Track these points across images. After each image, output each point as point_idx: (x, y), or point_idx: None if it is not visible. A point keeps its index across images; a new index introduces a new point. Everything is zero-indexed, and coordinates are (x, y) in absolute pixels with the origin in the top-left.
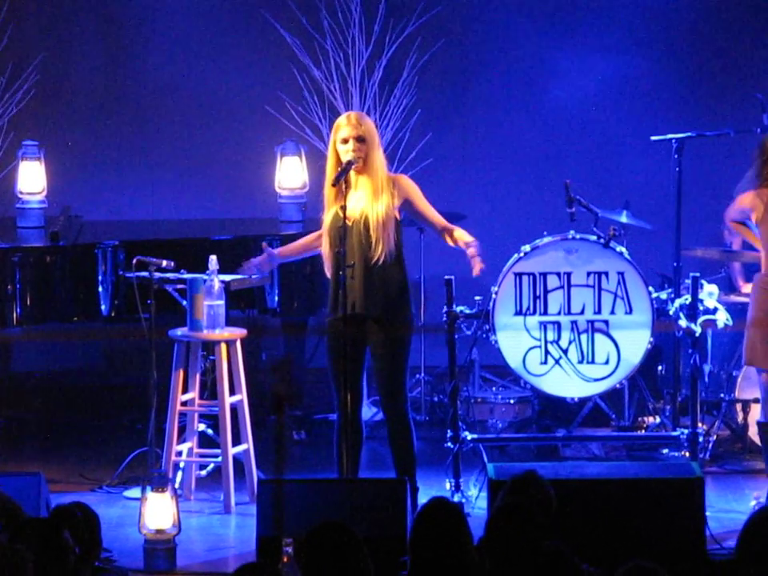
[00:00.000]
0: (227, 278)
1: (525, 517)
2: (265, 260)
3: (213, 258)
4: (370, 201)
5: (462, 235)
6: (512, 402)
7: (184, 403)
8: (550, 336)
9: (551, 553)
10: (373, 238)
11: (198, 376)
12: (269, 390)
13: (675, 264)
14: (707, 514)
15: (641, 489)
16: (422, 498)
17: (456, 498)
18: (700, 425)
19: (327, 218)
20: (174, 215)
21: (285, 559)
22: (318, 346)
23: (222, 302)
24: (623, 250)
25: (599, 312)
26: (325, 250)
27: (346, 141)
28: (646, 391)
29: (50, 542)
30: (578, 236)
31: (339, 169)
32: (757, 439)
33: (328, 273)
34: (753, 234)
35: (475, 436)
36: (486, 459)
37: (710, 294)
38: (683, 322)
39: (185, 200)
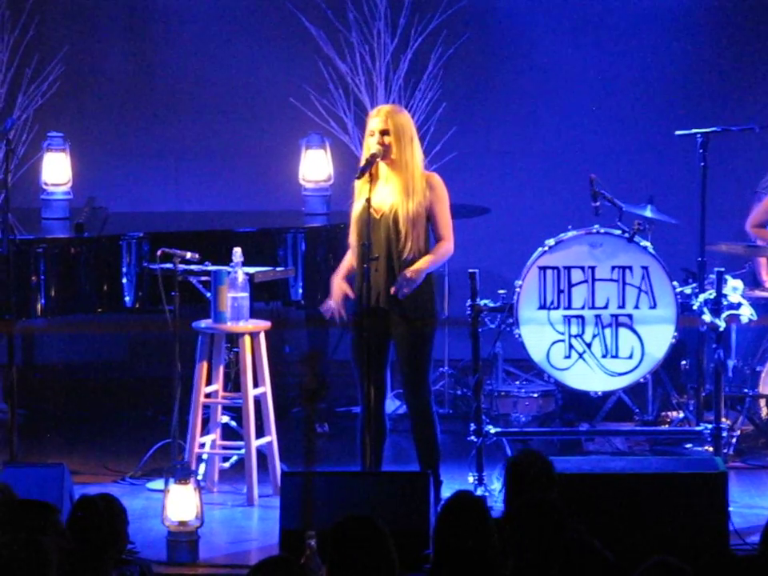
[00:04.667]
0: (251, 269)
1: (544, 511)
2: (344, 302)
3: (237, 250)
4: (400, 196)
5: (418, 263)
6: (535, 395)
7: (207, 395)
8: (574, 330)
9: (572, 541)
10: (402, 233)
11: (221, 368)
12: (298, 383)
13: (699, 259)
14: (730, 509)
15: (664, 484)
16: (446, 492)
17: (479, 492)
18: (724, 420)
19: (355, 208)
20: (199, 207)
21: (308, 552)
22: (342, 338)
23: (246, 294)
24: (647, 244)
25: (623, 306)
26: (352, 240)
27: (372, 133)
28: (669, 386)
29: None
30: (602, 230)
31: (364, 161)
32: None
33: (354, 263)
34: None
35: (498, 430)
36: (509, 453)
37: (734, 288)
38: (707, 317)
39: (209, 192)
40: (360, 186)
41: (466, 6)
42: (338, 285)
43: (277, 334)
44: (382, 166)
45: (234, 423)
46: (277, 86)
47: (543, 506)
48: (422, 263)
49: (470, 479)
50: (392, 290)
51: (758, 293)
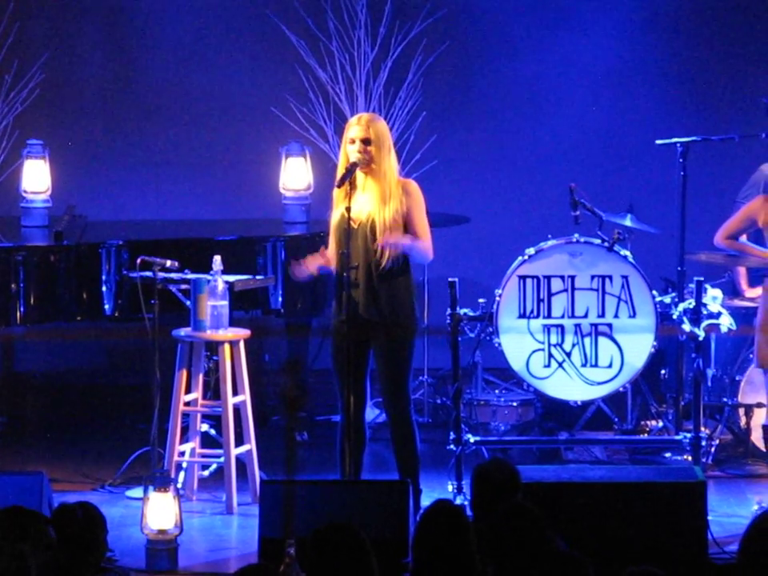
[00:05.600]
0: (231, 278)
1: (525, 518)
2: (309, 270)
3: (217, 259)
4: (377, 205)
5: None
6: (515, 404)
7: (187, 403)
8: (554, 339)
9: (552, 548)
10: (379, 242)
11: (201, 376)
12: (278, 392)
13: (679, 268)
14: (709, 518)
15: (643, 492)
16: (425, 501)
17: (458, 501)
18: (703, 429)
19: (334, 217)
20: (179, 215)
21: (287, 560)
22: (322, 347)
23: (225, 303)
24: (627, 253)
25: (603, 315)
26: (331, 249)
27: (353, 141)
28: (649, 395)
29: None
30: (582, 239)
31: (344, 170)
32: (760, 443)
33: (333, 271)
34: (749, 247)
35: (478, 438)
36: None
37: (713, 298)
38: (687, 326)
39: (189, 200)
40: (338, 195)
41: (445, 14)
42: (314, 257)
43: (256, 343)
44: (359, 175)
45: (213, 431)
46: (257, 94)
47: (525, 513)
48: (402, 238)
49: (450, 488)
50: (378, 243)
51: (738, 302)
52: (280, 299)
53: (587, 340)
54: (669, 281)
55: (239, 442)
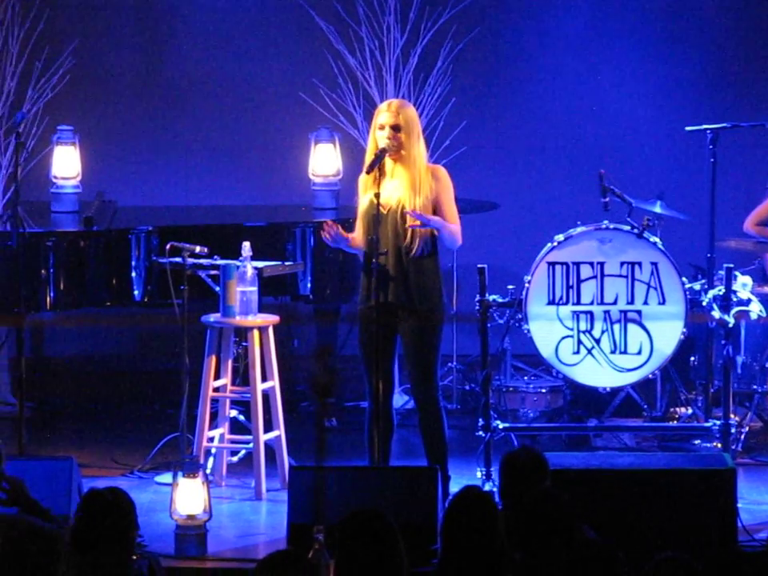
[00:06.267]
0: (260, 264)
1: (553, 505)
2: (343, 236)
3: (246, 245)
4: (407, 191)
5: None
6: (544, 391)
7: (216, 389)
8: (583, 326)
9: (580, 536)
10: (409, 228)
11: (230, 362)
12: (307, 378)
13: (709, 255)
14: (739, 505)
15: (672, 480)
16: (454, 487)
17: (487, 487)
18: (732, 416)
19: (362, 203)
20: (208, 201)
21: (315, 546)
22: (350, 333)
23: (254, 289)
24: (657, 240)
25: (632, 302)
26: (359, 235)
27: (382, 127)
28: (678, 382)
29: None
30: (611, 226)
31: (373, 156)
32: None
33: (362, 257)
34: None
35: (507, 425)
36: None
37: (743, 285)
38: (716, 313)
39: (219, 186)
40: (365, 181)
41: (475, 0)
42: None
43: (285, 329)
44: (388, 161)
45: (242, 417)
46: (286, 80)
47: (553, 500)
48: (432, 217)
49: (478, 474)
50: (408, 214)
51: None
52: (309, 285)
53: (616, 327)
54: (698, 267)
55: (268, 427)
